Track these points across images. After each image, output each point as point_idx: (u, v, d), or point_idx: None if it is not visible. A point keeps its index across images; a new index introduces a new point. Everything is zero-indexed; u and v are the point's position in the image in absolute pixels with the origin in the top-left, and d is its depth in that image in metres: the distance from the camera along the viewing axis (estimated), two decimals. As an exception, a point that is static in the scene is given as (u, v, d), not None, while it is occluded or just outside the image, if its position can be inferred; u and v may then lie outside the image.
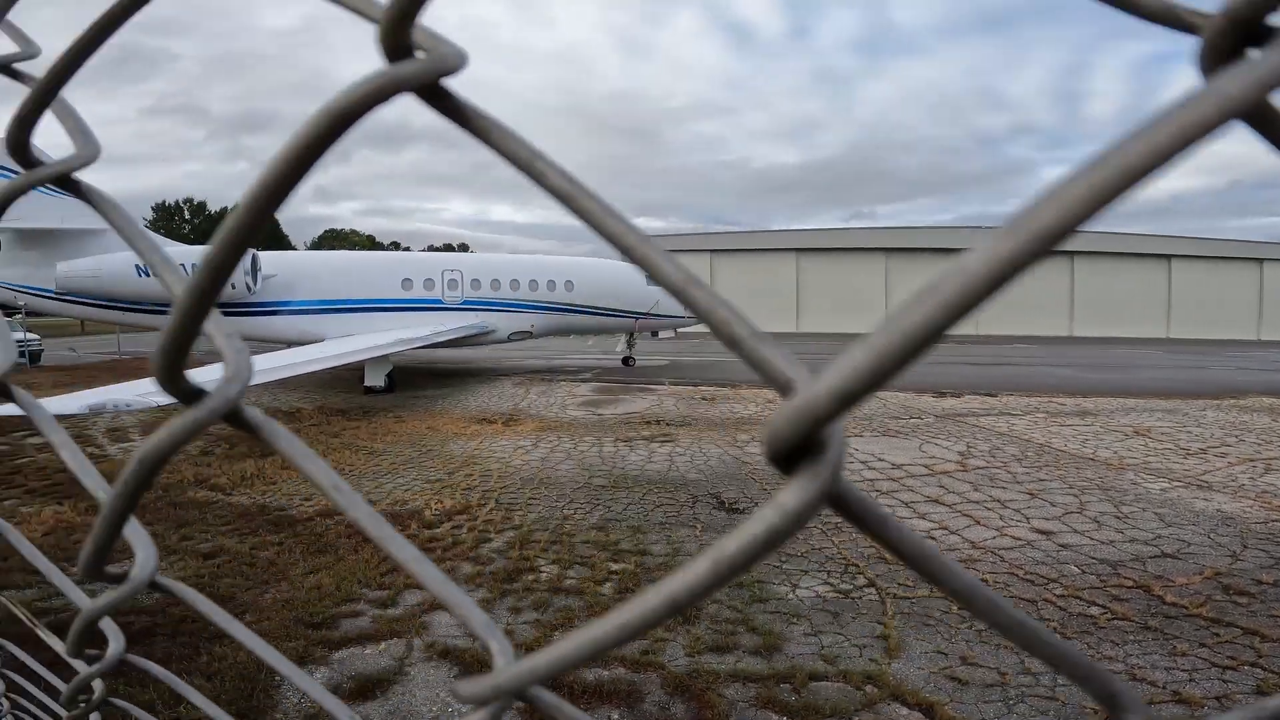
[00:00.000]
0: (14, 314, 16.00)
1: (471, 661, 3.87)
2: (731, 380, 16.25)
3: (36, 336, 21.23)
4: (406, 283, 16.45)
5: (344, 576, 4.91)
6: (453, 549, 5.59)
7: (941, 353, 26.57)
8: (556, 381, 16.53)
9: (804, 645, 4.10)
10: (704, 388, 14.99)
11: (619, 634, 0.26)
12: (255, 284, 15.08)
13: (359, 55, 0.32)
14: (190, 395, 0.35)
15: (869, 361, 0.20)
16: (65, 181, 0.46)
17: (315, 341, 14.15)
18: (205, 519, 6.28)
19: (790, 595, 4.77)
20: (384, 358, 13.49)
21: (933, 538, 5.79)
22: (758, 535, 0.23)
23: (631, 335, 18.97)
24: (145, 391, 6.87)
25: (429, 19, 0.28)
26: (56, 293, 14.77)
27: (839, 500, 0.24)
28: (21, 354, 17.37)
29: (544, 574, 5.09)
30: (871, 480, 7.54)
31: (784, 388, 0.24)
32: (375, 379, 14.09)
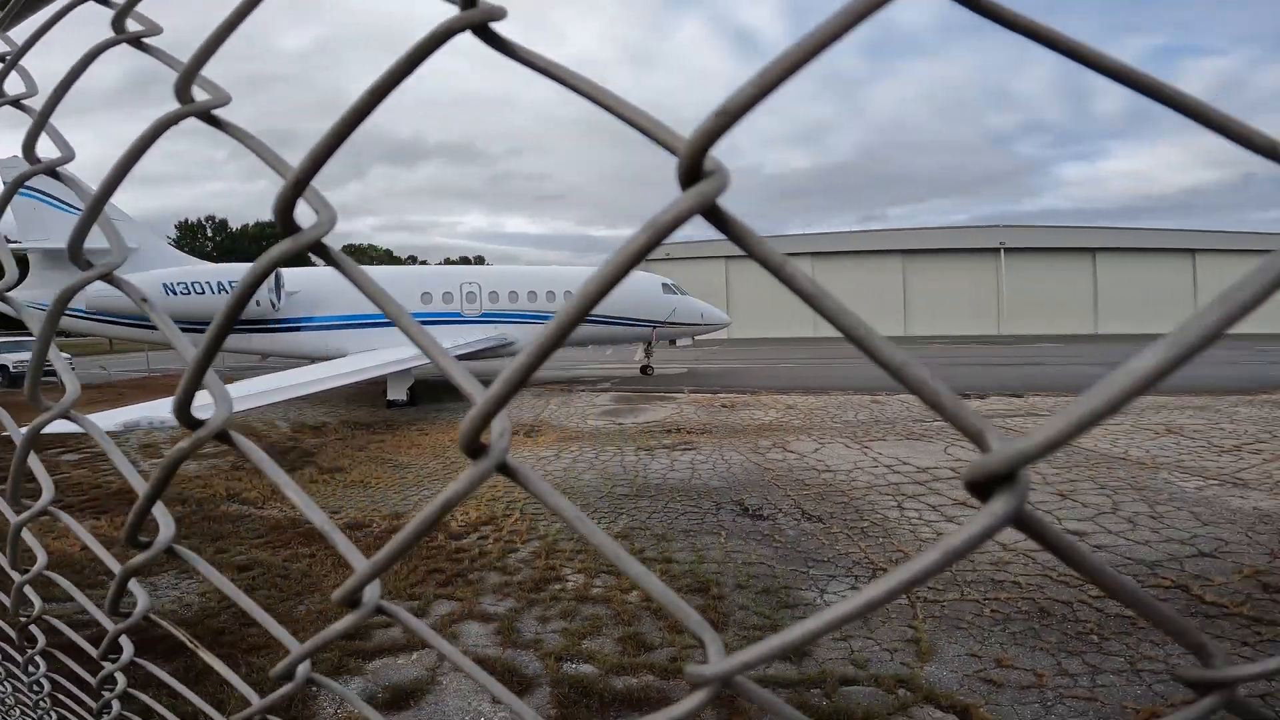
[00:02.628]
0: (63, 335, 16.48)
1: (503, 670, 3.90)
2: (751, 387, 16.21)
3: (67, 355, 21.75)
4: (426, 296, 16.65)
5: (375, 588, 4.98)
6: (479, 559, 5.63)
7: (966, 354, 26.27)
8: (576, 392, 16.60)
9: (834, 650, 4.07)
10: (724, 395, 14.96)
11: (822, 626, 0.33)
12: (279, 300, 15.36)
13: (372, 72, 0.37)
14: (194, 423, 0.52)
15: (1056, 433, 0.27)
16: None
17: (338, 356, 14.37)
18: (239, 532, 6.39)
19: (818, 600, 4.75)
20: (406, 371, 13.65)
21: (962, 541, 5.72)
22: (955, 547, 0.29)
23: (649, 344, 19.00)
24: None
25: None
26: (87, 312, 15.16)
27: (1022, 521, 0.29)
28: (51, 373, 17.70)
29: (570, 583, 5.11)
30: (898, 484, 7.48)
31: (975, 438, 0.31)
32: (397, 393, 14.26)
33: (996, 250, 42.26)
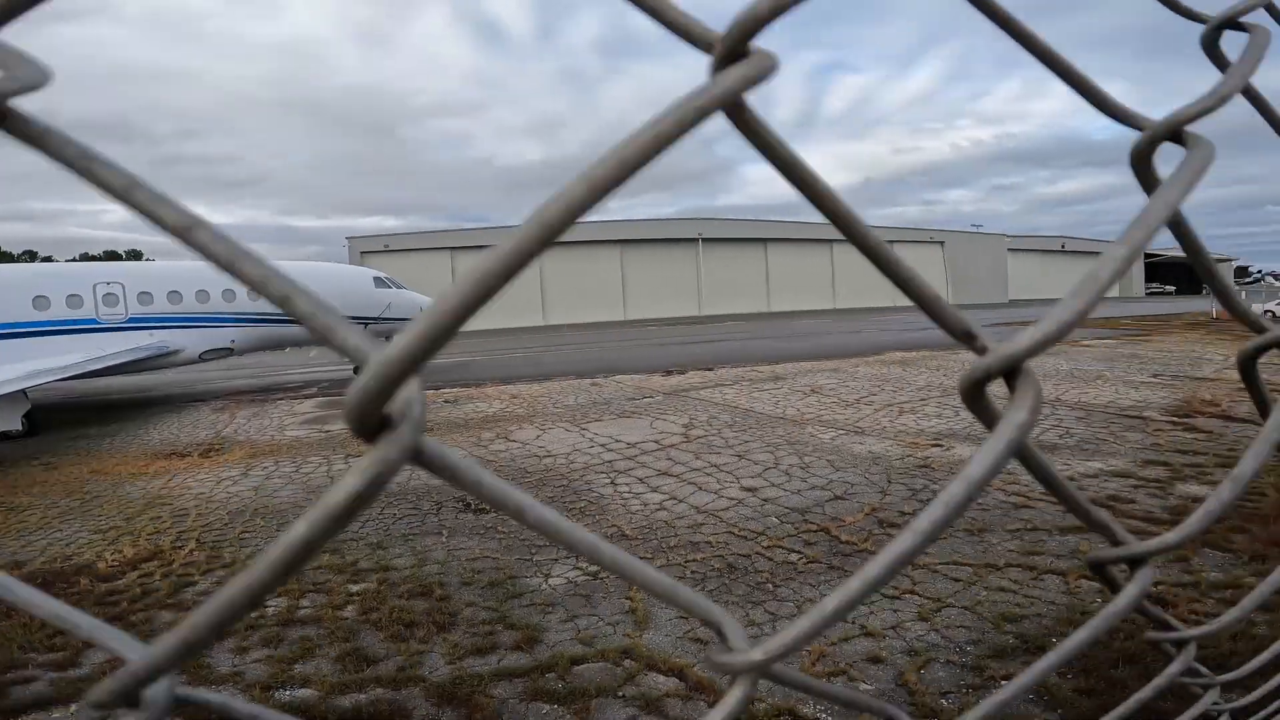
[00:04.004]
0: None
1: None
2: (477, 379, 15.97)
3: None
4: (40, 301, 12.96)
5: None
6: (143, 600, 4.74)
7: (674, 333, 29.36)
8: (273, 401, 14.54)
9: (562, 632, 4.22)
10: (447, 390, 14.48)
11: (843, 606, 0.32)
12: None
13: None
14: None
15: (416, 339, 0.26)
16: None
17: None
18: None
19: (544, 585, 4.89)
20: (15, 396, 10.51)
21: (664, 508, 6.39)
22: (357, 489, 0.26)
23: (362, 341, 17.47)
24: None
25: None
26: None
27: (420, 457, 0.27)
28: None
29: (270, 608, 4.54)
30: (611, 461, 8.04)
31: (355, 359, 0.29)
32: (7, 422, 10.92)
33: (696, 240, 47.92)
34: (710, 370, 15.92)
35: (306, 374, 19.13)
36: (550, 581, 4.95)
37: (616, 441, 8.98)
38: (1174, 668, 0.57)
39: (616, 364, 17.96)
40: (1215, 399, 10.57)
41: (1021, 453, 0.36)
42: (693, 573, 4.99)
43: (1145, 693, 0.58)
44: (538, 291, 43.29)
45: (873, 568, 0.32)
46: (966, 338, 0.36)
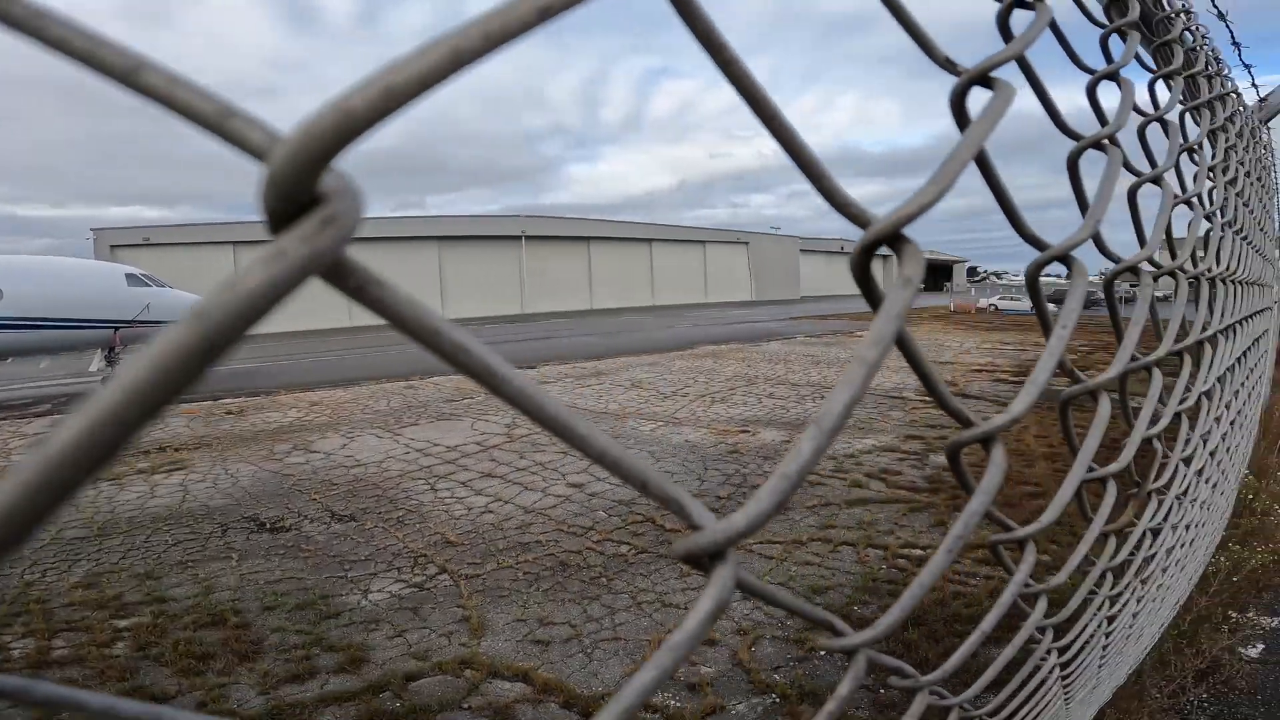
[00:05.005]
0: None
1: None
2: (267, 387, 14.24)
3: None
4: None
5: None
6: None
7: (496, 332, 28.57)
8: (-11, 418, 11.74)
9: (391, 649, 3.96)
10: (229, 400, 12.72)
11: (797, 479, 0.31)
12: None
13: None
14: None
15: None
16: None
17: None
18: None
19: (363, 602, 4.55)
20: None
21: (490, 510, 6.21)
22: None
23: (112, 350, 14.70)
24: None
25: None
26: None
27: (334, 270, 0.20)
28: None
29: (15, 651, 3.86)
30: (430, 466, 7.64)
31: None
32: None
33: (519, 238, 47.17)
34: (533, 368, 15.78)
35: (36, 388, 15.71)
36: (370, 597, 4.62)
37: (435, 446, 8.55)
38: (1025, 563, 0.66)
39: (433, 365, 17.10)
40: (954, 379, 12.72)
41: (901, 338, 0.39)
42: (525, 574, 4.92)
43: (1011, 589, 0.66)
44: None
45: (833, 404, 0.33)
46: (844, 207, 0.39)
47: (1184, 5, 1.24)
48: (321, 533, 5.81)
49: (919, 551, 5.07)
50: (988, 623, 0.64)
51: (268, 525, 6.00)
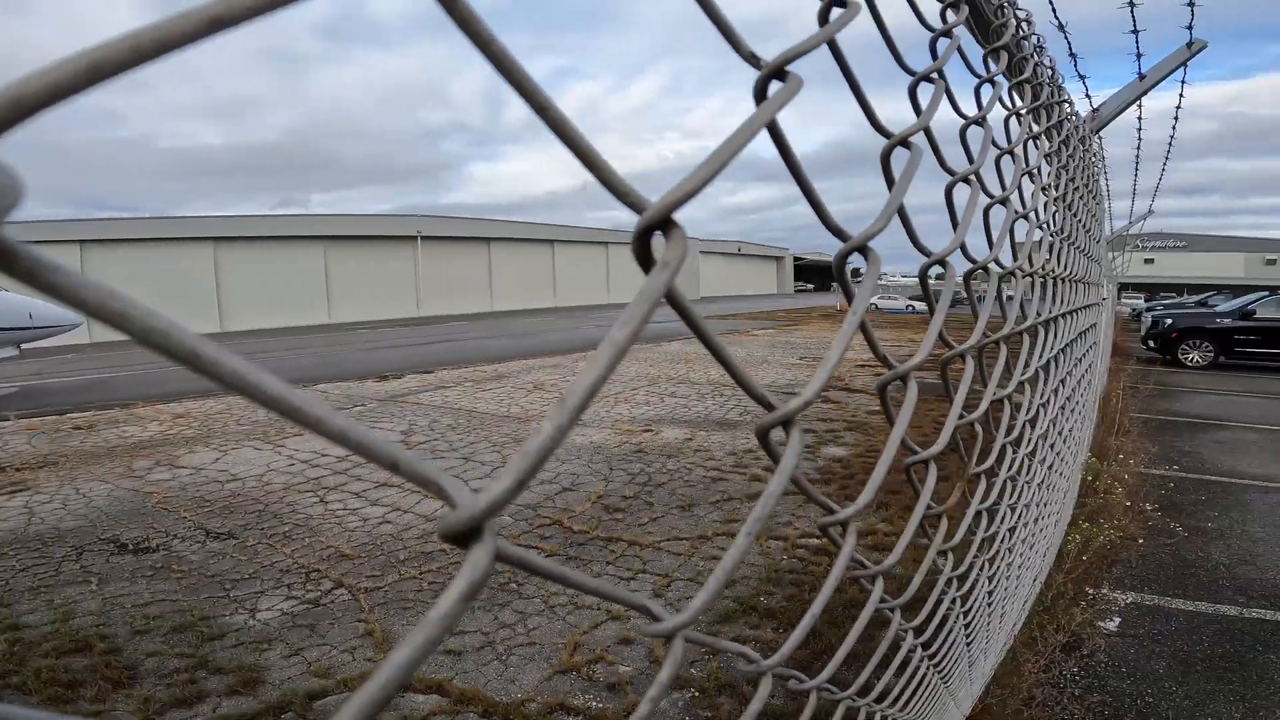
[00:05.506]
0: None
1: None
2: (123, 399, 12.84)
3: None
4: None
5: None
6: None
7: (389, 336, 27.26)
8: None
9: (289, 668, 3.70)
10: (77, 415, 11.35)
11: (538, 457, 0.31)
12: None
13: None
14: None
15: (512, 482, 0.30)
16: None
17: None
18: None
19: (251, 622, 4.22)
20: None
21: (388, 520, 5.92)
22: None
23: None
24: None
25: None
26: None
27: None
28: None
29: None
30: (318, 478, 7.18)
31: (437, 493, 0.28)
32: None
33: (414, 238, 45.18)
34: (430, 373, 15.21)
35: None
36: (259, 616, 4.30)
37: (324, 456, 8.04)
38: (846, 547, 0.70)
39: (320, 371, 16.07)
40: (840, 375, 13.52)
41: (672, 298, 0.42)
42: (430, 584, 4.73)
43: (835, 573, 0.70)
44: (212, 292, 36.33)
45: (579, 384, 0.33)
46: (624, 195, 0.40)
47: (1025, 15, 1.37)
48: (195, 552, 5.33)
49: (815, 540, 5.34)
50: (817, 604, 0.68)
51: (130, 546, 5.43)
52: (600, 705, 3.42)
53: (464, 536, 0.29)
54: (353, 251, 42.56)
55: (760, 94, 0.52)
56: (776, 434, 0.56)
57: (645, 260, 0.40)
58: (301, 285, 39.46)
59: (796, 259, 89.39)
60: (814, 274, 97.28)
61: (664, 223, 0.39)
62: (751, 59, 0.53)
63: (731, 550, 0.49)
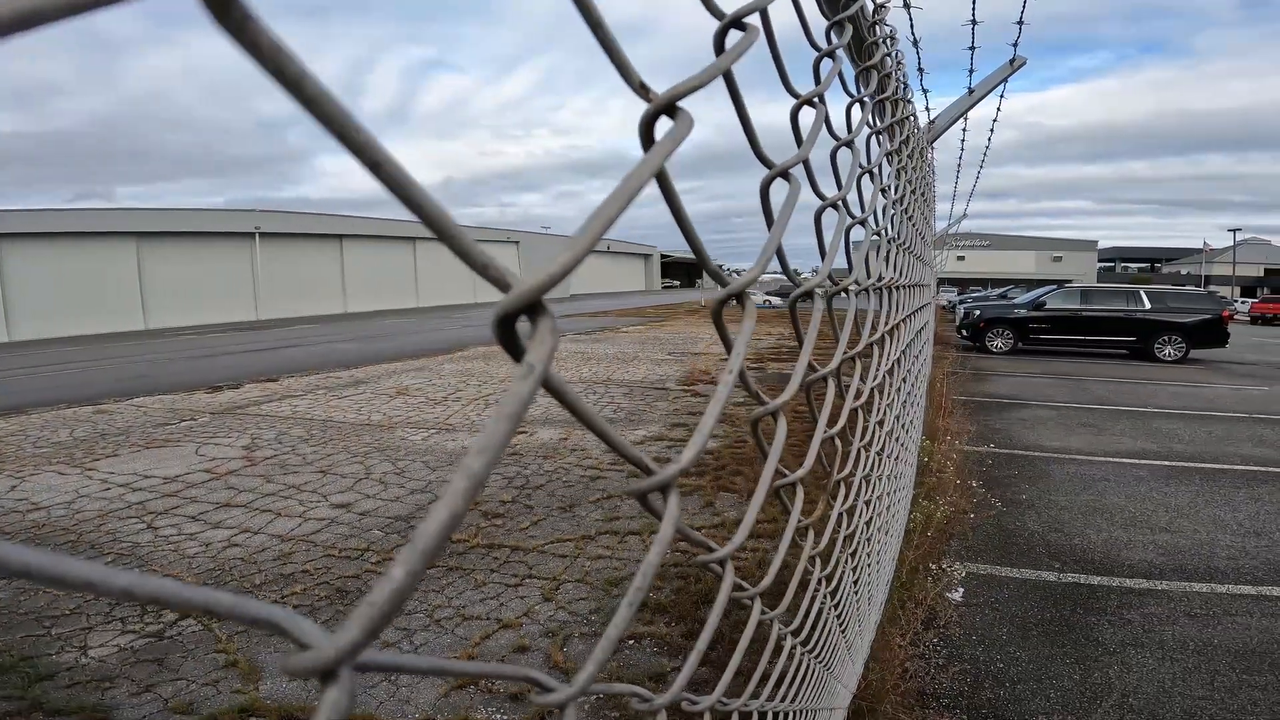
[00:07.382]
0: None
1: None
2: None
3: None
4: None
5: None
6: None
7: (222, 342, 24.48)
8: None
9: (143, 707, 3.29)
10: None
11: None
12: None
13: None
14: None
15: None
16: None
17: None
18: None
19: (84, 660, 3.71)
20: None
21: (236, 543, 5.35)
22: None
23: None
24: None
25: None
26: None
27: None
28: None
29: None
30: (142, 502, 6.32)
31: None
32: None
33: (252, 235, 40.86)
34: (274, 381, 13.89)
35: None
36: (93, 654, 3.78)
37: (146, 478, 7.10)
38: (726, 581, 0.74)
39: (135, 385, 14.10)
40: (707, 369, 14.12)
41: (550, 385, 0.38)
42: (295, 606, 4.32)
43: (716, 609, 0.74)
44: (-9, 296, 30.64)
45: (430, 524, 0.29)
46: (483, 270, 0.36)
47: (891, 31, 1.49)
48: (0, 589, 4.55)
49: (697, 533, 5.53)
50: (702, 641, 0.70)
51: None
52: (506, 717, 3.33)
53: (319, 676, 0.26)
54: (174, 249, 37.78)
55: (646, 130, 0.47)
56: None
57: (510, 347, 0.35)
58: (109, 287, 34.34)
59: (664, 256, 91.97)
60: (680, 271, 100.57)
61: (533, 306, 0.34)
62: (641, 89, 0.48)
63: (616, 620, 0.48)
